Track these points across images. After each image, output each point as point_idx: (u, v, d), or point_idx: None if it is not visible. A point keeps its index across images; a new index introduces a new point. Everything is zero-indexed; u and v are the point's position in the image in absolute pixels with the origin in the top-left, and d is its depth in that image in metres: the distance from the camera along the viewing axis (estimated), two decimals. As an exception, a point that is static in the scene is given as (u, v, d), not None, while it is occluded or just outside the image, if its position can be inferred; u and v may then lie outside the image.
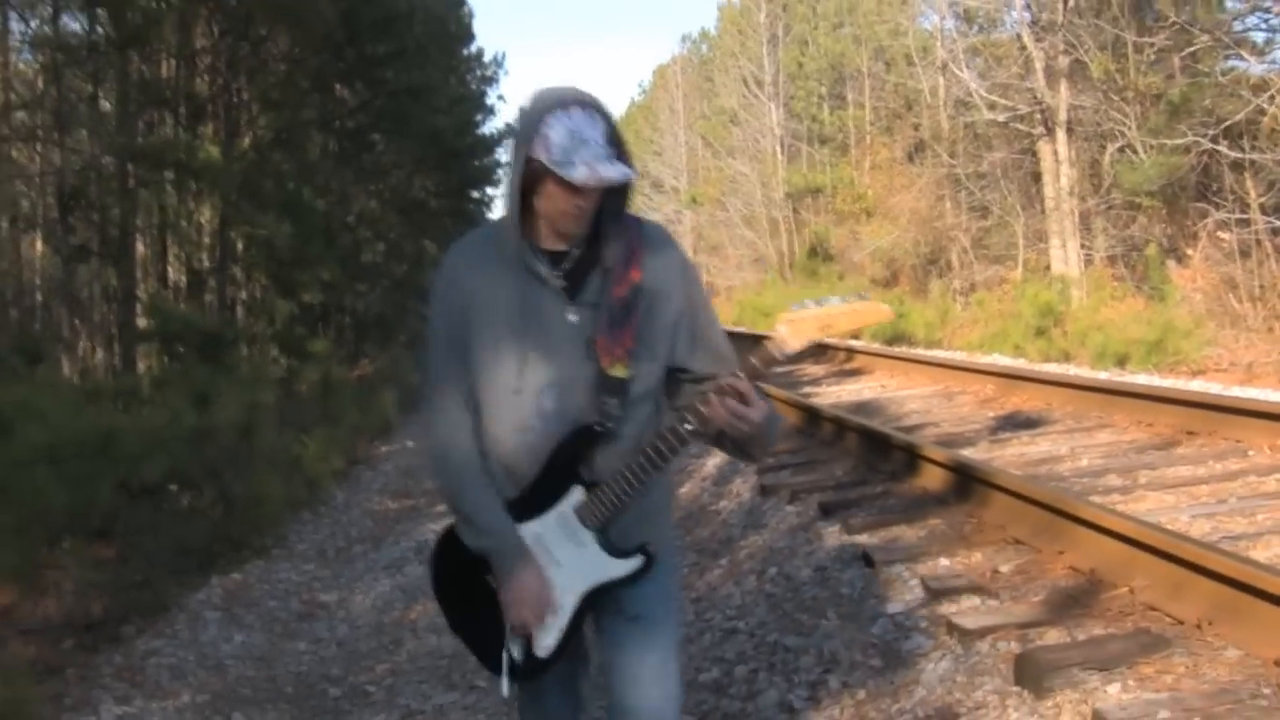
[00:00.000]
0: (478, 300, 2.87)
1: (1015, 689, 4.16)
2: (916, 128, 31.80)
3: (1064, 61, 22.79)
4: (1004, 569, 5.56)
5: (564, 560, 2.89)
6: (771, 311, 32.33)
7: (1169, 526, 5.40)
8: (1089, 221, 23.83)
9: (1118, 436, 8.85)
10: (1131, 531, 5.08)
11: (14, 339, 12.87)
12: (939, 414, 11.17)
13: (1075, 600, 4.91)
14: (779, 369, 3.25)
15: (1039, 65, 23.12)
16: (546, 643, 2.92)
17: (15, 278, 16.06)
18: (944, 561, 5.82)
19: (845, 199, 36.97)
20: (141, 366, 16.90)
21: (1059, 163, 23.30)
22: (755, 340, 3.37)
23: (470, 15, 33.19)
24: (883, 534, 6.55)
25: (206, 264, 20.94)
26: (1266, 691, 3.77)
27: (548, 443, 2.85)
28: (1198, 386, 11.96)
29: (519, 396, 2.84)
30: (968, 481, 6.90)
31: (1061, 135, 23.16)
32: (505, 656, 2.93)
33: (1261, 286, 18.17)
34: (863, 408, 11.92)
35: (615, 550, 2.90)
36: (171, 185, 18.28)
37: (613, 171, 2.70)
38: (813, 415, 10.57)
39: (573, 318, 2.85)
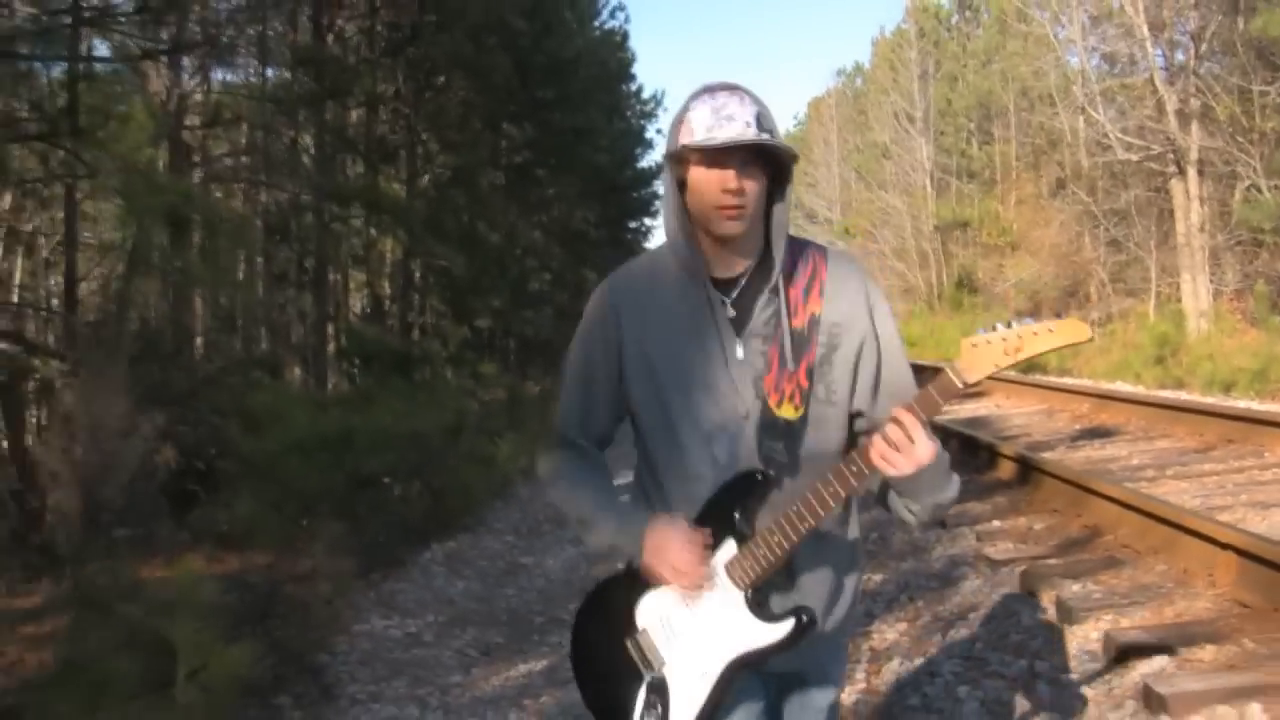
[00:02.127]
0: (638, 335, 2.65)
1: (1019, 593, 6.21)
2: (1060, 165, 33.34)
3: (1195, 104, 24.31)
4: (1037, 527, 7.68)
5: (712, 625, 2.58)
6: (917, 341, 34.13)
7: (1165, 499, 7.39)
8: (1219, 257, 25.29)
9: (1171, 444, 10.80)
10: (1124, 498, 7.17)
11: (256, 355, 15.27)
12: (1036, 426, 13.19)
13: (1077, 544, 7.02)
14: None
15: (1170, 108, 24.62)
16: (683, 717, 2.59)
17: (234, 304, 18.39)
18: (996, 523, 7.94)
19: (990, 233, 38.64)
20: (330, 383, 18.92)
21: (1190, 200, 24.76)
22: (934, 371, 3.10)
23: (633, 58, 35.55)
24: (958, 508, 8.58)
25: (388, 291, 23.48)
26: (1169, 585, 5.82)
27: (719, 482, 2.59)
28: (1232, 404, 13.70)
29: (687, 440, 2.61)
30: (1029, 471, 8.99)
31: (1192, 174, 24.59)
32: None
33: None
34: (973, 422, 13.94)
35: (767, 614, 2.56)
36: (361, 221, 20.53)
37: (740, 132, 2.44)
38: (925, 426, 12.63)
39: (740, 352, 2.58)
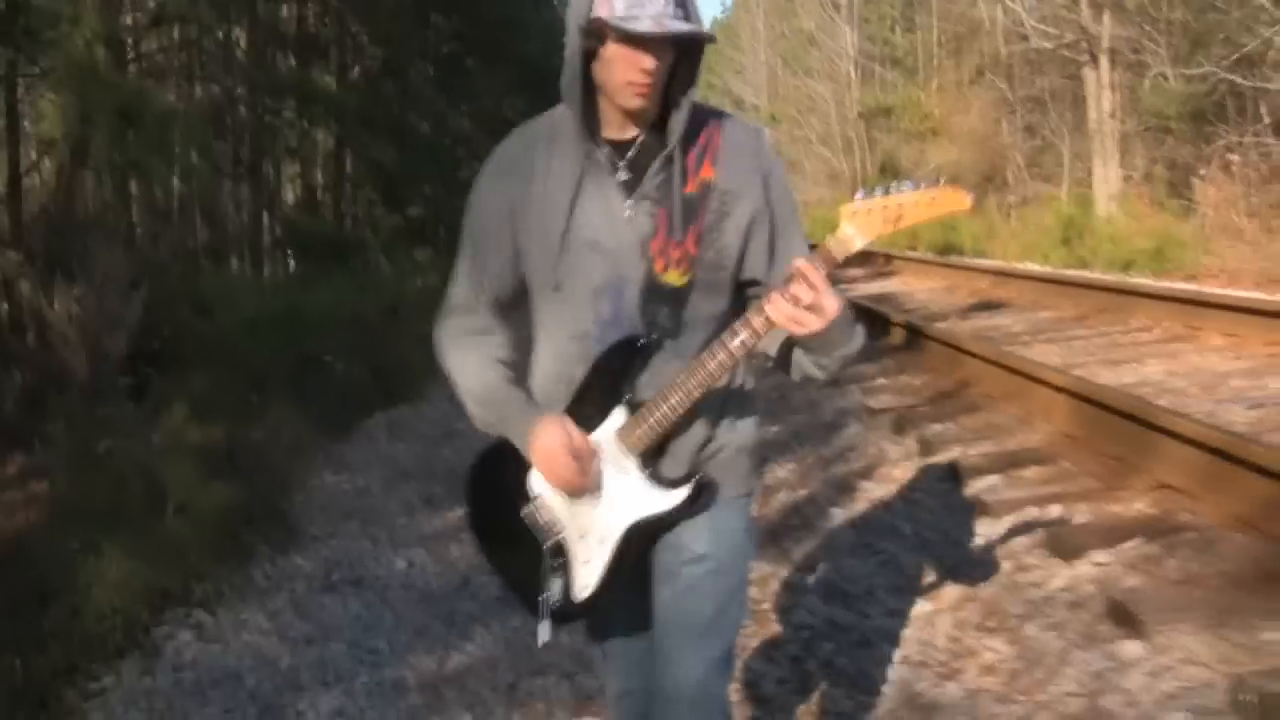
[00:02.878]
0: (530, 194, 2.63)
1: (892, 435, 7.27)
2: (980, 53, 34.30)
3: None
4: (915, 383, 8.78)
5: (606, 491, 2.61)
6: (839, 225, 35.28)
7: (1027, 358, 8.45)
8: (1129, 143, 26.42)
9: (1051, 314, 11.96)
10: (989, 355, 8.27)
11: (201, 244, 16.07)
12: (935, 301, 14.34)
13: (945, 395, 8.13)
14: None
15: (1083, -3, 25.67)
16: (586, 582, 2.66)
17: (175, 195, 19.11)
18: (881, 380, 9.05)
19: (913, 120, 39.62)
20: (266, 271, 19.69)
21: (1101, 88, 25.85)
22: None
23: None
24: (851, 370, 9.62)
25: (321, 182, 24.22)
26: (1013, 424, 6.91)
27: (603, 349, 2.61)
28: (1157, 283, 14.84)
29: (573, 300, 2.60)
30: (916, 337, 10.06)
31: (1104, 62, 25.66)
32: (543, 598, 2.68)
33: (1259, 204, 20.83)
34: (878, 297, 15.05)
35: (662, 480, 2.60)
36: (294, 114, 21.22)
37: (681, 25, 2.41)
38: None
39: (629, 213, 2.56)
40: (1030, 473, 5.87)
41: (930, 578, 4.98)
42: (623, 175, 2.59)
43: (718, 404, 2.66)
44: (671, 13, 2.40)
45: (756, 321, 2.42)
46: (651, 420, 2.53)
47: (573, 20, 2.49)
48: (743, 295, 2.66)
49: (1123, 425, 5.92)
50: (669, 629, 2.74)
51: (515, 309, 2.77)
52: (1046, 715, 3.65)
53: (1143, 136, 26.23)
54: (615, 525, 2.62)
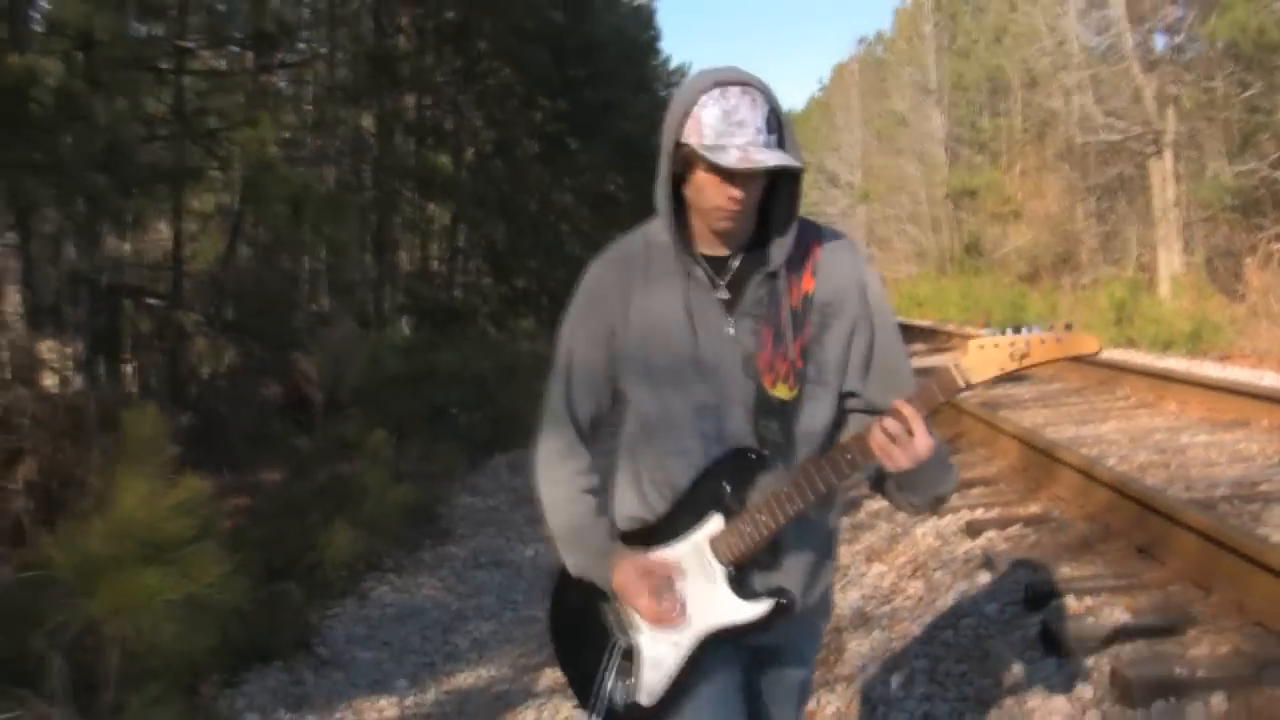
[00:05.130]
0: (628, 315, 2.68)
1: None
2: (1058, 142, 36.72)
3: (1171, 91, 27.71)
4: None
5: (690, 595, 2.66)
6: (925, 301, 37.82)
7: (1009, 417, 10.99)
8: (1190, 231, 28.72)
9: (1061, 385, 14.51)
10: (981, 415, 10.83)
11: (352, 312, 18.89)
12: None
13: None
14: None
15: (1148, 93, 28.05)
16: (653, 687, 2.70)
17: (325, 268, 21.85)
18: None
19: (995, 201, 42.03)
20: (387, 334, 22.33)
21: (1166, 179, 28.22)
22: (931, 368, 3.22)
23: (658, 34, 39.16)
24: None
25: (436, 254, 27.08)
26: (980, 461, 9.49)
27: (712, 456, 2.65)
28: (1183, 365, 17.28)
29: (676, 416, 2.66)
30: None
31: (1168, 155, 28.09)
32: (601, 693, 2.74)
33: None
34: (922, 370, 17.58)
35: (746, 592, 2.64)
36: (413, 193, 23.99)
37: (770, 157, 2.43)
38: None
39: (731, 330, 2.62)
40: (976, 491, 8.50)
41: (885, 550, 7.59)
42: (723, 294, 2.64)
43: (821, 534, 2.77)
44: (763, 141, 2.45)
45: (857, 448, 2.50)
46: (746, 531, 2.58)
47: (665, 142, 2.54)
48: (842, 408, 2.72)
49: (1043, 461, 8.50)
50: None
51: (606, 422, 2.85)
52: (930, 615, 6.23)
53: (1200, 225, 28.51)
54: (692, 631, 2.66)
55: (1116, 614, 5.32)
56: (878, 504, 8.78)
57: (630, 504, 2.81)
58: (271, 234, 16.22)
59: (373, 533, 8.33)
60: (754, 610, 2.63)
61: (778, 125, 2.52)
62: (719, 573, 2.64)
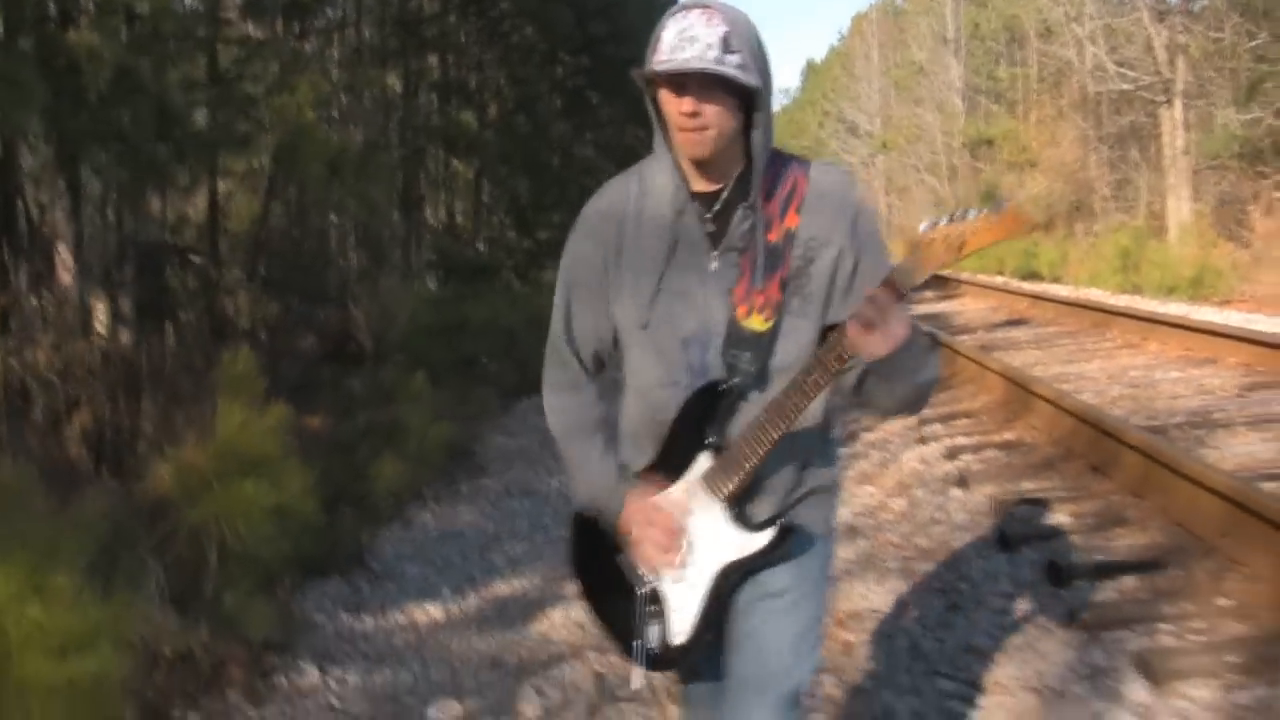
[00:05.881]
0: (622, 246, 2.74)
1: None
2: (1072, 91, 37.41)
3: (1181, 40, 28.43)
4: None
5: (696, 535, 2.71)
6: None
7: (1000, 359, 11.92)
8: (1199, 179, 29.49)
9: (1057, 329, 15.45)
10: (971, 356, 11.73)
11: (381, 267, 19.84)
12: (976, 319, 17.86)
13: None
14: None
15: (1158, 44, 28.77)
16: (680, 628, 2.75)
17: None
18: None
19: (1012, 150, 42.74)
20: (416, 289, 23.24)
21: (1175, 128, 28.97)
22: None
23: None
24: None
25: (461, 210, 27.95)
26: (966, 397, 10.43)
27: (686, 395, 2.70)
28: (1163, 307, 18.15)
29: (664, 350, 2.71)
30: (936, 345, 13.51)
31: (1178, 104, 28.81)
32: (638, 644, 2.77)
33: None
34: (931, 317, 18.56)
35: (748, 524, 2.70)
36: (439, 150, 24.82)
37: (705, 61, 2.43)
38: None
39: (714, 264, 2.67)
40: (960, 422, 9.48)
41: (876, 474, 8.56)
42: (709, 227, 2.67)
43: (804, 446, 2.75)
44: (712, 56, 2.43)
45: (828, 358, 2.48)
46: (735, 464, 2.62)
47: (640, 80, 2.59)
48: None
49: (1022, 395, 9.44)
50: (743, 662, 2.84)
51: (609, 360, 2.90)
52: (909, 526, 7.19)
53: (1209, 173, 29.27)
54: (705, 570, 2.70)
55: (1061, 518, 6.34)
56: (872, 434, 9.74)
57: (631, 448, 2.87)
58: (308, 194, 17.13)
59: (416, 466, 9.29)
60: (759, 540, 2.68)
61: (737, 48, 2.49)
62: (717, 509, 2.69)
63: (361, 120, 22.16)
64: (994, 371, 10.58)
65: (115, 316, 11.85)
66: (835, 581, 6.44)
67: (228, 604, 5.83)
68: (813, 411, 2.68)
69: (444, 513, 9.47)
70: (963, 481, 7.59)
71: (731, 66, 2.46)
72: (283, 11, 16.52)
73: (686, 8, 2.52)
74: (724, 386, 2.66)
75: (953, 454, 8.37)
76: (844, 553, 6.98)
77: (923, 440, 9.01)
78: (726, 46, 2.46)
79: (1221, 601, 4.99)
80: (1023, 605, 5.38)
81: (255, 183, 17.98)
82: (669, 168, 2.69)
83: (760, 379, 2.65)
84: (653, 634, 2.76)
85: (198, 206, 17.18)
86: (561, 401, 2.98)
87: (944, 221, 2.41)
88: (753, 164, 2.67)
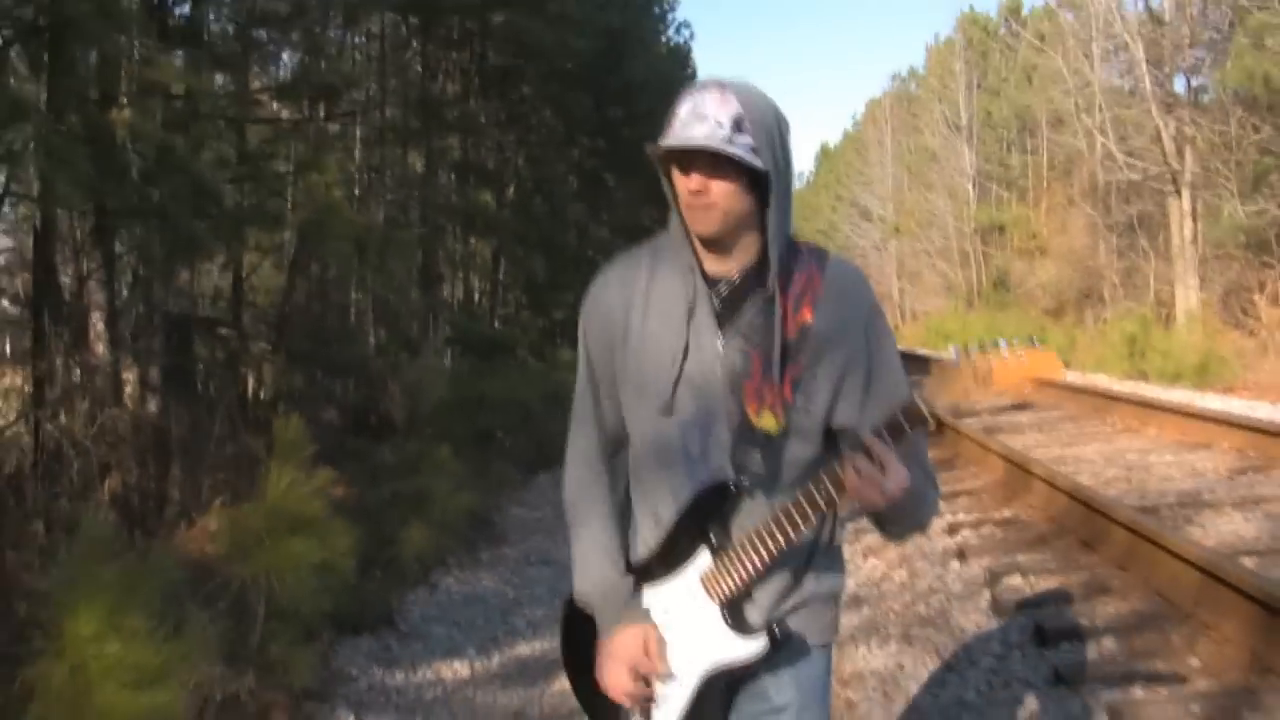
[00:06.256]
0: (627, 328, 2.69)
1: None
2: (1082, 179, 38.13)
3: (1189, 132, 29.11)
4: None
5: (688, 634, 2.67)
6: (951, 335, 39.19)
7: (1001, 440, 12.40)
8: (1207, 267, 30.07)
9: (1059, 413, 15.95)
10: (975, 438, 12.23)
11: (402, 342, 20.38)
12: (983, 401, 18.28)
13: (940, 461, 12.07)
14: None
15: (1166, 134, 29.45)
16: None
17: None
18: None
19: (1022, 237, 43.46)
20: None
21: (1184, 217, 29.62)
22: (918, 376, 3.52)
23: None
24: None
25: (478, 287, 28.55)
26: (969, 476, 10.92)
27: (693, 490, 2.65)
28: (1168, 394, 18.64)
29: (667, 437, 2.66)
30: (942, 428, 14.01)
31: (1186, 194, 29.48)
32: None
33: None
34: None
35: (742, 628, 2.64)
36: (457, 229, 25.42)
37: (711, 140, 2.43)
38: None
39: (720, 347, 2.60)
40: (961, 500, 9.97)
41: (880, 548, 9.03)
42: (717, 306, 2.62)
43: (805, 554, 2.69)
44: (721, 135, 2.43)
45: (831, 483, 2.46)
46: (735, 568, 2.57)
47: (654, 156, 2.57)
48: (835, 443, 2.65)
49: (1021, 475, 9.93)
50: None
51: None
52: (909, 595, 7.65)
53: (1215, 262, 29.85)
54: (693, 669, 2.65)
55: (1050, 586, 6.84)
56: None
57: (634, 531, 2.85)
58: (331, 270, 17.69)
59: (441, 533, 9.78)
60: (751, 646, 2.62)
61: (750, 128, 2.48)
62: (713, 611, 2.64)
63: (383, 198, 22.78)
64: (995, 453, 11.05)
65: (144, 385, 12.19)
66: (840, 646, 6.92)
67: (273, 653, 6.31)
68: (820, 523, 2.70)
69: (467, 578, 9.94)
70: (961, 555, 8.07)
71: (739, 147, 2.45)
72: (312, 94, 17.10)
73: (704, 86, 2.54)
74: (734, 487, 2.60)
75: (953, 530, 8.85)
76: (848, 620, 7.44)
77: (925, 517, 9.50)
78: (738, 127, 2.47)
79: (1192, 661, 5.46)
80: (1010, 664, 5.85)
81: (278, 257, 18.47)
82: (683, 245, 2.65)
83: (770, 481, 2.61)
84: None
85: (222, 280, 17.74)
86: (578, 472, 2.95)
87: (974, 353, 2.47)
88: (770, 251, 2.61)
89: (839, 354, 2.60)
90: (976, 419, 15.69)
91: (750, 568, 2.57)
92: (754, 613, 2.67)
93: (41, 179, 9.39)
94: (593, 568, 2.79)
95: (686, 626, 2.67)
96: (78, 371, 11.20)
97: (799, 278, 2.63)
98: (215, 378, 16.06)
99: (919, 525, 2.73)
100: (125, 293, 13.27)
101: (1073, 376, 23.64)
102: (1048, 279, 38.71)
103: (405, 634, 8.40)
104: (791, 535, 2.52)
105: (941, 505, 9.42)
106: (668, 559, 2.69)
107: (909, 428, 2.40)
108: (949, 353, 2.74)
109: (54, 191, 9.87)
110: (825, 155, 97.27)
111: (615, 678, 2.68)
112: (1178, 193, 29.71)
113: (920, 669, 6.14)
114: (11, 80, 9.57)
